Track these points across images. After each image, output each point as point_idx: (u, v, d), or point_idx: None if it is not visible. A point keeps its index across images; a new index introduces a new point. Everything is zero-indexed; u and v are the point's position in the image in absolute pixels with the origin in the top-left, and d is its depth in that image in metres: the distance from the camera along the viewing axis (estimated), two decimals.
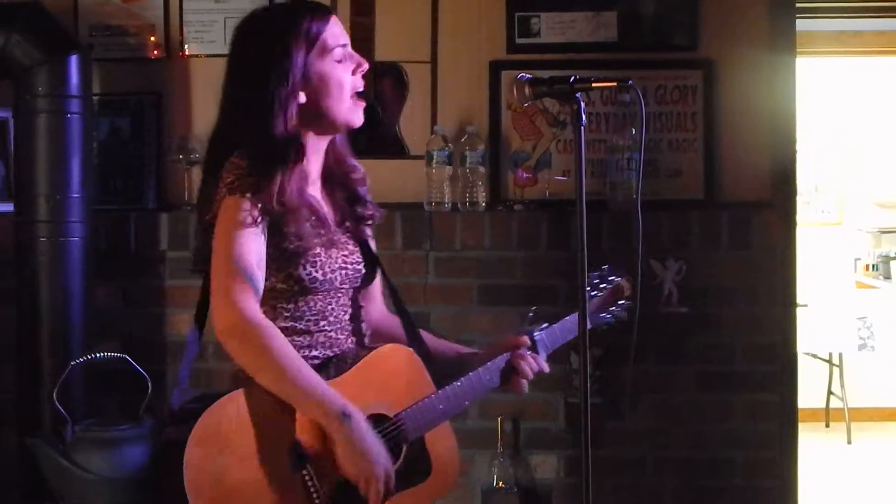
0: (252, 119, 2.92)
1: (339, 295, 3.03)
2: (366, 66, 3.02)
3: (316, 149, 3.04)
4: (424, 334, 3.22)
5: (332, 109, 2.97)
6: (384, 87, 5.05)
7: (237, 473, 2.73)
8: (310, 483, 2.79)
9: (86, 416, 4.50)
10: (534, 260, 4.88)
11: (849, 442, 8.58)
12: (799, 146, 5.14)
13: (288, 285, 2.91)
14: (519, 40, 5.04)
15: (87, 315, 4.69)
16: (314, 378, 2.77)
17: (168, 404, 2.93)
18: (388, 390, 2.95)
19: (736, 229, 4.92)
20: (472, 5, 5.05)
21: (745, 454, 4.97)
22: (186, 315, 4.92)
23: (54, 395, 4.31)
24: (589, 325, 3.11)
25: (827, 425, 9.06)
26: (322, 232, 2.99)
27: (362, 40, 4.99)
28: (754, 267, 4.94)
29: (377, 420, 2.88)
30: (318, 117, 2.98)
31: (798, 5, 5.06)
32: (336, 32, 2.99)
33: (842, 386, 8.75)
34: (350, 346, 3.06)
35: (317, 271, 2.92)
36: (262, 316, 2.78)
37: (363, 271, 3.08)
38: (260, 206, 2.81)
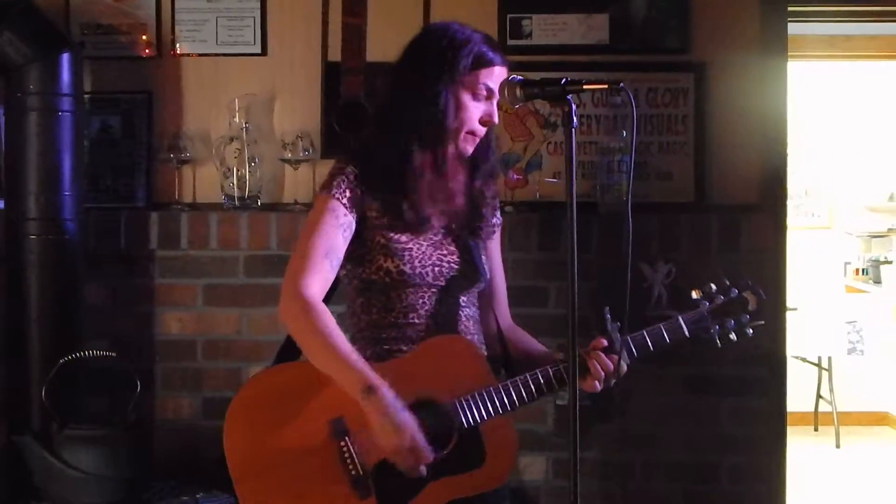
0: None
1: (433, 290, 3.13)
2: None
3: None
4: (516, 333, 3.40)
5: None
6: (376, 87, 5.04)
7: (274, 437, 2.97)
8: (346, 454, 2.94)
9: (74, 414, 4.50)
10: (524, 262, 4.88)
11: (837, 446, 8.60)
12: (790, 150, 5.15)
13: (379, 276, 3.09)
14: (510, 42, 5.04)
15: (77, 313, 4.69)
16: (351, 354, 2.93)
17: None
18: (444, 377, 3.03)
19: (726, 232, 4.93)
20: (464, 6, 5.04)
21: (733, 458, 4.97)
22: (176, 313, 4.95)
23: (43, 392, 4.32)
24: (687, 334, 3.15)
25: (816, 429, 9.08)
26: (418, 231, 3.13)
27: (354, 41, 4.99)
28: (744, 270, 4.92)
29: (427, 405, 2.97)
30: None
31: (790, 9, 5.07)
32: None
33: (831, 390, 8.77)
34: None
35: (405, 265, 3.07)
36: (317, 296, 2.99)
37: (458, 269, 3.17)
38: (345, 203, 3.06)
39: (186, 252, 4.94)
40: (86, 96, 4.91)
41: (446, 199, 3.15)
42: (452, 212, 3.18)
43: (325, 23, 5.00)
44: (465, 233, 3.23)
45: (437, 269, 3.13)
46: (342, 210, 3.05)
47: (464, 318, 3.21)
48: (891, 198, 9.72)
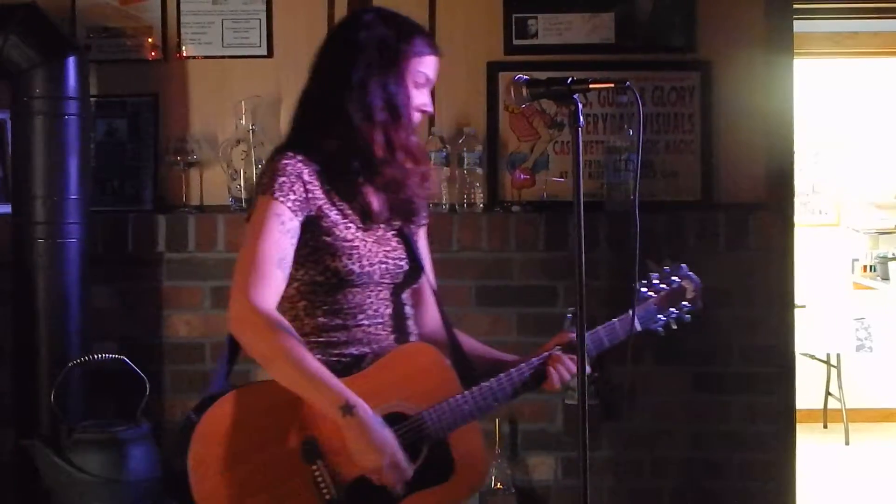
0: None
1: (380, 289, 3.07)
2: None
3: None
4: (465, 338, 3.26)
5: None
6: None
7: (241, 467, 2.84)
8: (319, 477, 2.85)
9: (83, 417, 4.51)
10: (531, 261, 4.88)
11: (847, 443, 8.58)
12: (796, 147, 5.14)
13: (326, 277, 2.99)
14: (516, 41, 5.04)
15: (85, 316, 4.69)
16: (320, 370, 2.82)
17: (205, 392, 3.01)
18: (411, 388, 2.97)
19: (733, 230, 4.92)
20: (470, 6, 5.05)
21: (742, 455, 4.97)
22: (183, 316, 4.95)
23: (52, 396, 4.32)
24: (639, 328, 3.15)
25: (825, 426, 9.06)
26: (363, 226, 3.05)
27: None
28: (752, 268, 4.94)
29: (396, 418, 2.91)
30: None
31: (795, 6, 5.07)
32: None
33: (839, 387, 8.75)
34: (391, 343, 3.09)
35: (353, 264, 2.98)
36: (274, 310, 2.86)
37: (406, 268, 3.11)
38: (290, 206, 2.91)
39: (194, 254, 4.93)
40: (92, 100, 4.91)
41: (396, 189, 3.09)
42: (396, 203, 3.13)
43: (330, 22, 5.00)
44: (404, 225, 3.16)
45: (383, 266, 3.05)
46: (288, 214, 2.91)
47: (407, 317, 3.16)
48: None
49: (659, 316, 3.28)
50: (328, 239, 2.98)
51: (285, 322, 2.87)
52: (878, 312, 8.85)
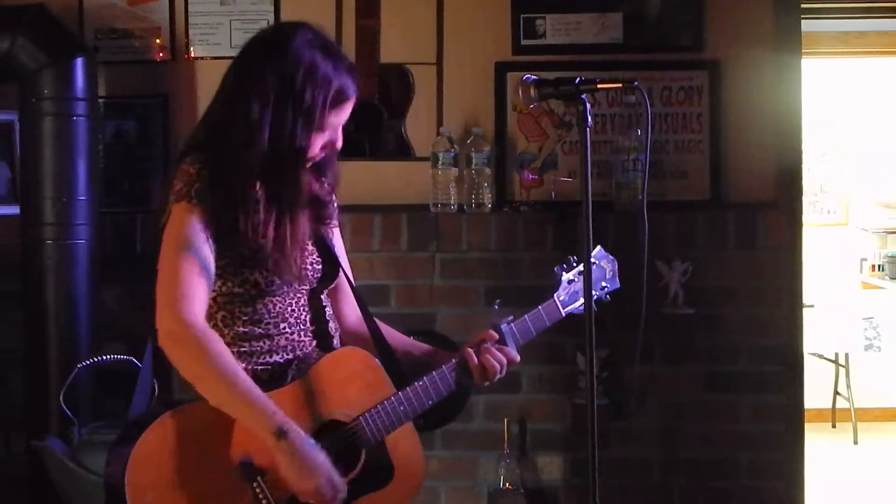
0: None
1: (299, 296, 3.01)
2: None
3: None
4: (391, 333, 3.21)
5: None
6: (390, 88, 5.05)
7: (180, 491, 2.76)
8: (261, 495, 2.79)
9: (93, 418, 4.51)
10: (540, 261, 4.87)
11: (855, 442, 8.57)
12: (804, 146, 5.14)
13: (245, 289, 2.90)
14: (524, 41, 5.04)
15: (94, 317, 4.70)
16: (253, 391, 2.75)
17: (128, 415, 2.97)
18: (344, 395, 2.93)
19: (742, 230, 4.92)
20: (478, 7, 5.05)
21: (751, 455, 4.97)
22: None
23: (61, 397, 4.33)
24: (563, 314, 3.17)
25: (833, 426, 9.05)
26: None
27: (368, 42, 4.99)
28: (760, 268, 4.94)
29: (332, 426, 2.89)
30: None
31: (803, 6, 5.06)
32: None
33: (848, 386, 8.73)
34: (314, 348, 3.03)
35: (273, 275, 2.89)
36: (205, 324, 2.78)
37: (322, 270, 3.06)
38: (208, 214, 2.81)
39: None
40: (101, 101, 4.91)
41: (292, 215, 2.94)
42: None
43: (338, 25, 5.00)
44: (316, 227, 3.07)
45: (303, 271, 2.97)
46: (206, 221, 2.80)
47: (328, 319, 3.11)
48: None
49: (580, 298, 3.21)
50: (246, 252, 2.87)
51: (215, 336, 2.78)
52: (886, 312, 8.82)
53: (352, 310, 3.23)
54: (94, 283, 4.70)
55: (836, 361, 8.91)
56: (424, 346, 3.25)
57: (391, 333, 3.22)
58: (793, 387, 4.99)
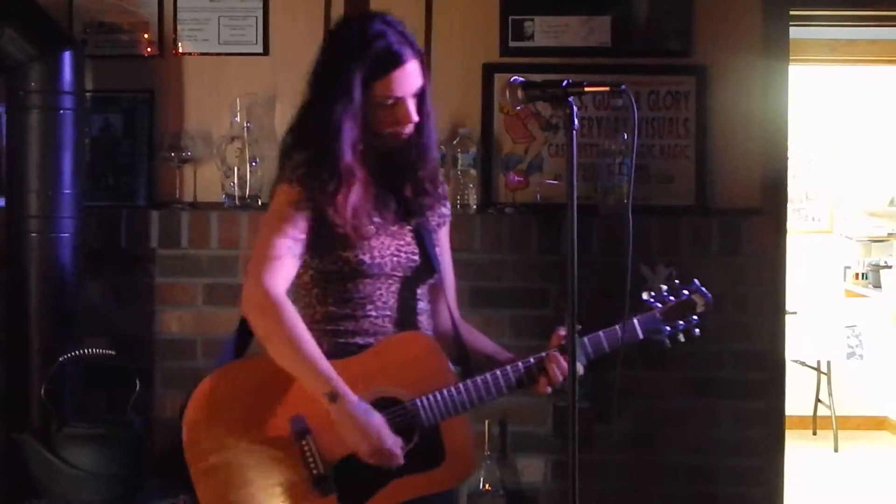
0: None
1: (391, 282, 3.13)
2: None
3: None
4: (470, 332, 3.36)
5: None
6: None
7: (234, 433, 2.98)
8: (308, 452, 2.95)
9: (74, 412, 4.51)
10: (524, 263, 4.88)
11: (836, 450, 8.59)
12: (790, 153, 5.15)
13: (337, 266, 3.07)
14: (512, 43, 5.04)
15: (77, 311, 4.69)
16: (316, 355, 2.93)
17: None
18: (405, 375, 3.05)
19: (726, 236, 4.93)
20: (466, 8, 5.05)
21: (731, 461, 4.97)
22: (176, 312, 4.95)
23: (42, 390, 4.32)
24: (640, 335, 3.22)
25: (814, 433, 9.08)
26: (377, 219, 3.11)
27: None
28: (744, 274, 4.94)
29: (389, 402, 3.00)
30: None
31: (792, 13, 5.07)
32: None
33: (830, 394, 8.77)
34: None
35: (364, 254, 3.06)
36: (283, 294, 2.99)
37: (418, 262, 3.17)
38: (308, 194, 3.02)
39: (187, 251, 4.93)
40: (87, 94, 4.90)
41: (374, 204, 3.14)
42: (403, 199, 3.20)
43: (327, 22, 5.00)
44: (417, 221, 3.21)
45: (395, 259, 3.12)
46: (305, 203, 3.04)
47: (419, 312, 3.21)
48: (891, 202, 9.72)
49: (665, 326, 3.30)
50: (340, 230, 3.04)
51: (290, 305, 2.97)
52: (869, 320, 8.85)
53: (444, 319, 3.35)
54: (77, 276, 4.69)
55: (818, 369, 8.94)
56: (509, 354, 3.32)
57: (477, 337, 3.37)
58: (774, 393, 4.99)
